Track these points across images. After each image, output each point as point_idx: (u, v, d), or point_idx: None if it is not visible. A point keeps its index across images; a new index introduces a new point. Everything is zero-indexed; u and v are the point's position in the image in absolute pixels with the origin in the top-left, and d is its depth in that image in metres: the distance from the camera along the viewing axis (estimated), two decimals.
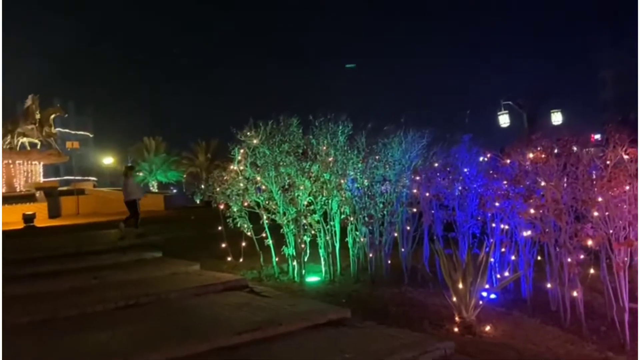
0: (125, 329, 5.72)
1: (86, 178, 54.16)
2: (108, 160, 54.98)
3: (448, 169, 8.10)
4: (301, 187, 8.40)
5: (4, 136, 32.49)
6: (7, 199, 26.69)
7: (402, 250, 8.51)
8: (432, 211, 8.14)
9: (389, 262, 8.62)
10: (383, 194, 8.60)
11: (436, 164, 8.27)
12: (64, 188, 32.28)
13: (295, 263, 8.68)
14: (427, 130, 8.64)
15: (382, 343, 4.94)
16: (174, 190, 54.55)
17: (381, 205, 8.42)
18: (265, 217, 8.97)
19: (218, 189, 9.15)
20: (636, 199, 5.17)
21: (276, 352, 4.87)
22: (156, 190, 48.77)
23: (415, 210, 8.42)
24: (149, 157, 50.80)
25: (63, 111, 36.12)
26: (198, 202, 52.11)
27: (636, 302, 5.24)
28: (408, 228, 8.50)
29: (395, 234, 8.63)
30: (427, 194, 8.05)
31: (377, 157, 8.48)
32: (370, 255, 8.52)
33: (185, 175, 51.17)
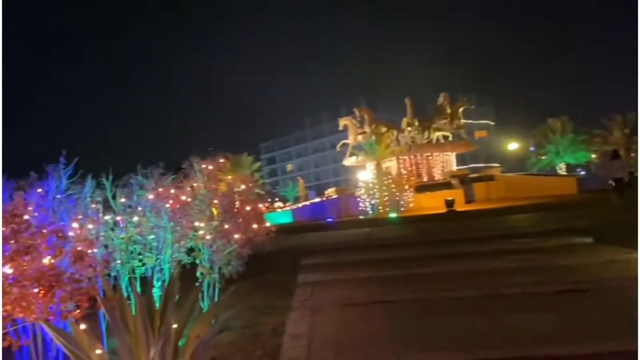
0: (567, 313, 5.57)
1: (490, 165, 56.30)
2: (513, 145, 55.52)
3: None
4: None
5: (422, 132, 37.39)
6: (429, 187, 30.64)
7: None
8: None
9: None
10: None
11: None
12: (474, 175, 34.51)
13: None
14: None
15: None
16: (582, 172, 50.24)
17: None
18: None
19: None
20: None
21: None
22: (564, 173, 46.07)
23: None
24: (554, 139, 48.46)
25: (469, 104, 38.75)
26: (614, 183, 46.30)
27: None
28: None
29: None
30: None
31: None
32: None
33: (594, 155, 46.48)
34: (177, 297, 5.99)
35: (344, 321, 5.98)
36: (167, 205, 6.17)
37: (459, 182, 29.86)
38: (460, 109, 36.98)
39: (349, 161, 37.52)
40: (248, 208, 6.89)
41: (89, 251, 5.23)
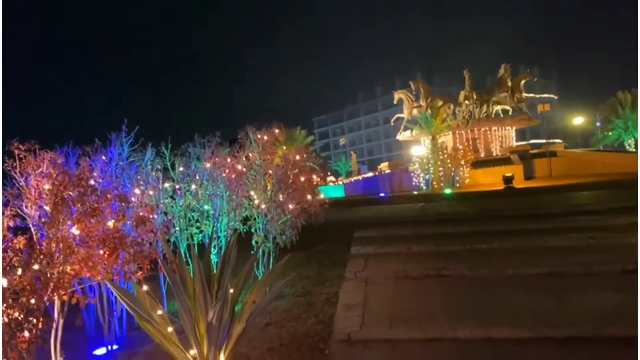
0: (630, 293, 5.25)
1: (552, 141, 53.76)
2: (578, 120, 52.37)
3: None
4: None
5: (480, 105, 36.05)
6: (486, 162, 29.65)
7: None
8: None
9: None
10: None
11: None
12: (535, 151, 33.00)
13: None
14: None
15: None
16: None
17: None
18: None
19: None
20: None
21: None
22: (632, 150, 43.31)
23: None
24: (624, 113, 45.23)
25: (532, 76, 36.84)
26: None
27: None
28: None
29: None
30: None
31: None
32: None
33: None
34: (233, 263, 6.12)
35: (399, 293, 5.92)
36: (224, 175, 6.26)
37: (518, 158, 28.70)
38: (522, 82, 35.26)
39: (403, 136, 36.86)
40: (302, 179, 6.89)
41: (150, 216, 5.40)
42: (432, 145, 27.46)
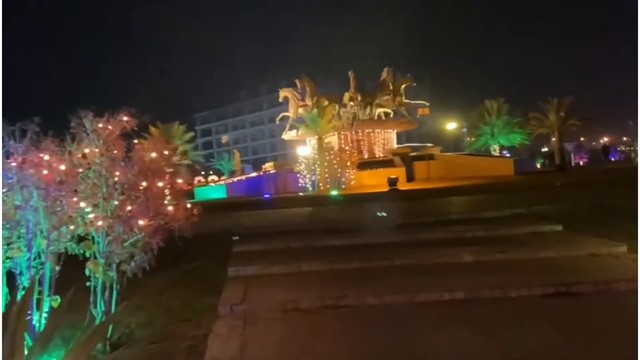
0: (565, 327, 4.42)
1: (425, 144, 56.73)
2: (451, 125, 55.65)
3: None
4: None
5: (364, 107, 36.26)
6: (371, 164, 29.69)
7: None
8: None
9: None
10: None
11: None
12: (414, 154, 33.91)
13: None
14: None
15: None
16: (507, 154, 51.40)
17: None
18: None
19: None
20: None
21: None
22: (497, 154, 46.82)
23: None
24: (490, 120, 48.79)
25: (411, 81, 37.95)
26: (539, 166, 47.54)
27: None
28: None
29: None
30: None
31: None
32: None
33: (522, 138, 47.41)
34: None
35: (288, 338, 4.48)
36: (40, 177, 4.32)
37: (400, 161, 29.10)
38: (403, 86, 36.23)
39: (288, 135, 35.87)
40: (160, 184, 5.14)
41: None
42: (318, 145, 26.66)
